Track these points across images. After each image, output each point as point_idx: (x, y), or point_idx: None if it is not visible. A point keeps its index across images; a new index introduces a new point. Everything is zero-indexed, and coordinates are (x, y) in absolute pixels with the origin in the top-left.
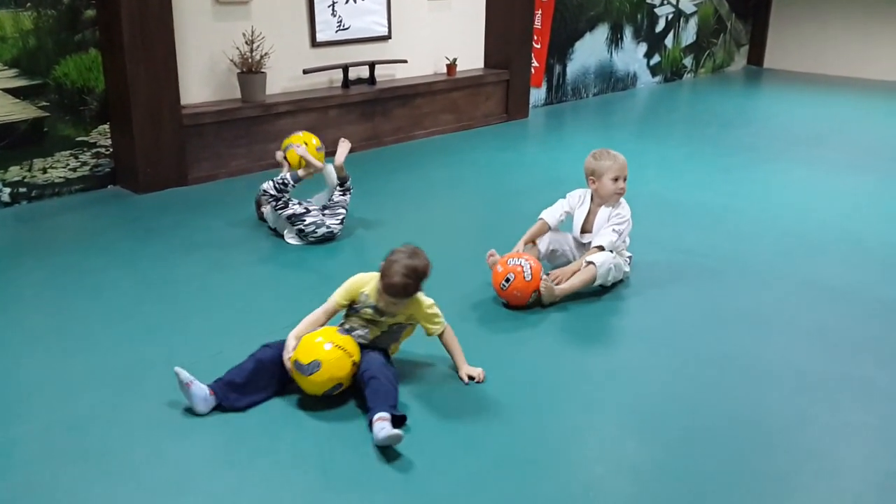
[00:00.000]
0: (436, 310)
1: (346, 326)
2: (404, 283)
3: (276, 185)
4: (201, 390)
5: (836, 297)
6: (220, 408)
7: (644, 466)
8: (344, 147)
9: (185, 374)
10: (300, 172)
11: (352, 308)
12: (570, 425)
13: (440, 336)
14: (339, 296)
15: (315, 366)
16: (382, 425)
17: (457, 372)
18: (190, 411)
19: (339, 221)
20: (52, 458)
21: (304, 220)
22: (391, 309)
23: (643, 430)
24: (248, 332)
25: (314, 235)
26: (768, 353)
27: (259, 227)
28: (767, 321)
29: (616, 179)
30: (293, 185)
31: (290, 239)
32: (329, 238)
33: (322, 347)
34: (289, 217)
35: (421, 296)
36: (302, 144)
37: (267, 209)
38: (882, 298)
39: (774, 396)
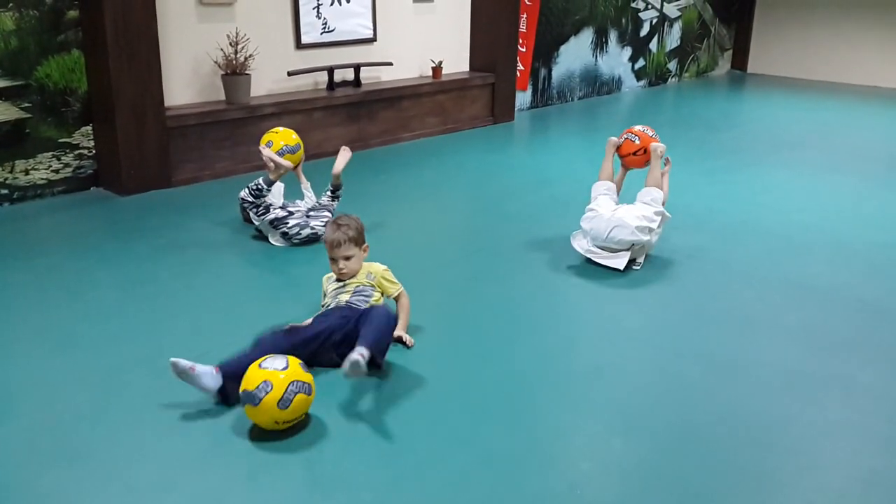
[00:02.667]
0: (391, 275)
1: (325, 307)
2: (344, 231)
3: (252, 192)
4: (206, 368)
5: (818, 296)
6: (223, 396)
7: (629, 464)
8: (344, 156)
9: (183, 362)
10: (271, 175)
11: (324, 297)
12: (556, 423)
13: (398, 299)
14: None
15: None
16: (356, 357)
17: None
18: (175, 410)
19: (323, 224)
20: (36, 459)
21: (288, 223)
22: (348, 267)
23: (628, 428)
24: (233, 334)
25: (298, 237)
26: (752, 352)
27: (243, 229)
28: (751, 320)
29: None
30: (268, 189)
31: (275, 241)
32: (314, 239)
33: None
34: (271, 222)
35: (375, 263)
36: (268, 142)
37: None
38: (864, 298)
39: (758, 394)
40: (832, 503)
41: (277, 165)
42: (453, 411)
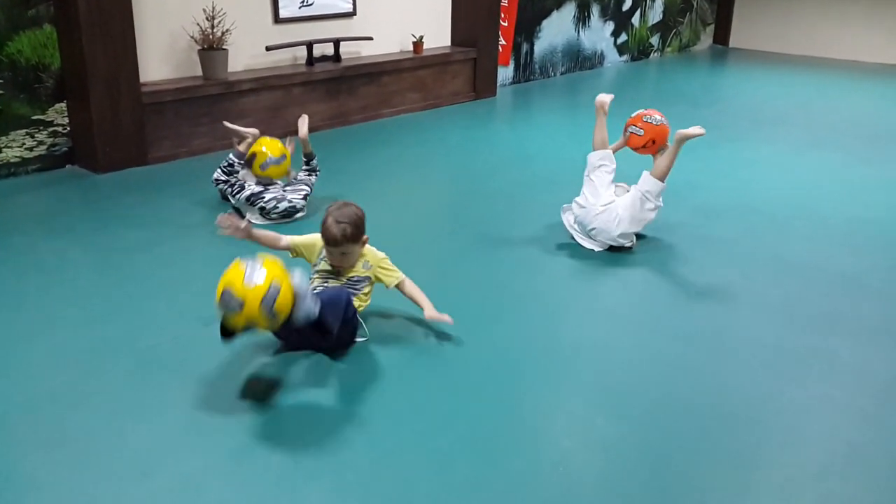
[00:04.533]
0: (389, 262)
1: (313, 286)
2: (342, 230)
3: (224, 169)
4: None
5: (800, 272)
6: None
7: (612, 441)
8: (303, 121)
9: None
10: (241, 148)
11: (313, 267)
12: (539, 402)
13: (401, 288)
14: (298, 241)
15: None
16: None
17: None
18: (155, 393)
19: (301, 197)
20: (10, 444)
21: (264, 197)
22: (344, 263)
23: (611, 405)
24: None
25: (276, 212)
26: (734, 328)
27: (221, 207)
28: (733, 297)
29: None
30: (240, 164)
31: (253, 218)
32: (291, 213)
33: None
34: (247, 199)
35: (372, 249)
36: (253, 154)
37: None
38: (845, 273)
39: (740, 371)
40: (813, 478)
41: (243, 136)
42: (436, 391)
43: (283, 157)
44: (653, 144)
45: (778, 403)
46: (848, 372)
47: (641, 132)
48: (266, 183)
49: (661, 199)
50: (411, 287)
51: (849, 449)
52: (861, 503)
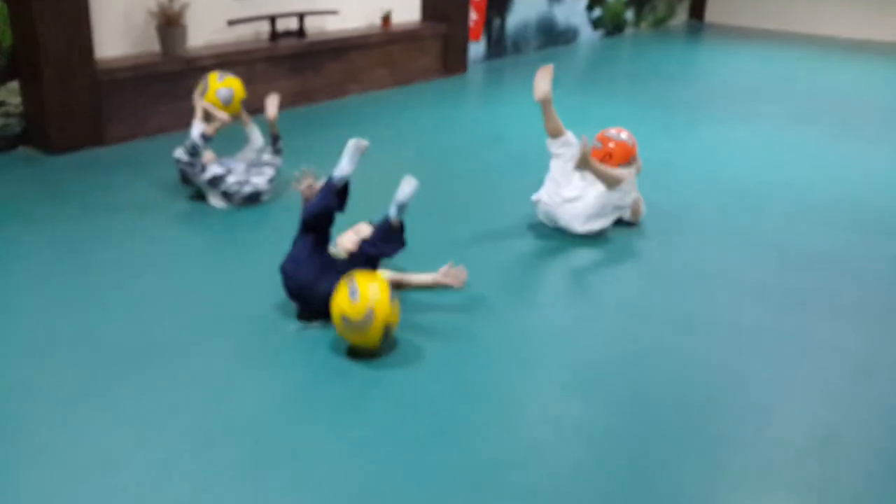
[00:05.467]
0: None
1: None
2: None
3: (187, 150)
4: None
5: (776, 252)
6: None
7: (588, 426)
8: (273, 101)
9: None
10: (207, 130)
11: None
12: (514, 387)
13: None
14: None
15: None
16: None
17: (443, 286)
18: (113, 384)
19: (266, 180)
20: None
21: (227, 181)
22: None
23: (587, 390)
24: (170, 302)
25: (240, 196)
26: (710, 310)
27: (181, 190)
28: (709, 277)
29: None
30: (204, 147)
31: (215, 202)
32: (256, 197)
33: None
34: (209, 181)
35: None
36: (204, 88)
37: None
38: (822, 252)
39: (716, 353)
40: (790, 460)
41: (214, 116)
42: (408, 379)
43: (233, 90)
44: (609, 159)
45: (754, 386)
46: (822, 351)
47: (599, 145)
48: (229, 165)
49: (632, 190)
50: (390, 274)
51: (825, 430)
52: (838, 485)
